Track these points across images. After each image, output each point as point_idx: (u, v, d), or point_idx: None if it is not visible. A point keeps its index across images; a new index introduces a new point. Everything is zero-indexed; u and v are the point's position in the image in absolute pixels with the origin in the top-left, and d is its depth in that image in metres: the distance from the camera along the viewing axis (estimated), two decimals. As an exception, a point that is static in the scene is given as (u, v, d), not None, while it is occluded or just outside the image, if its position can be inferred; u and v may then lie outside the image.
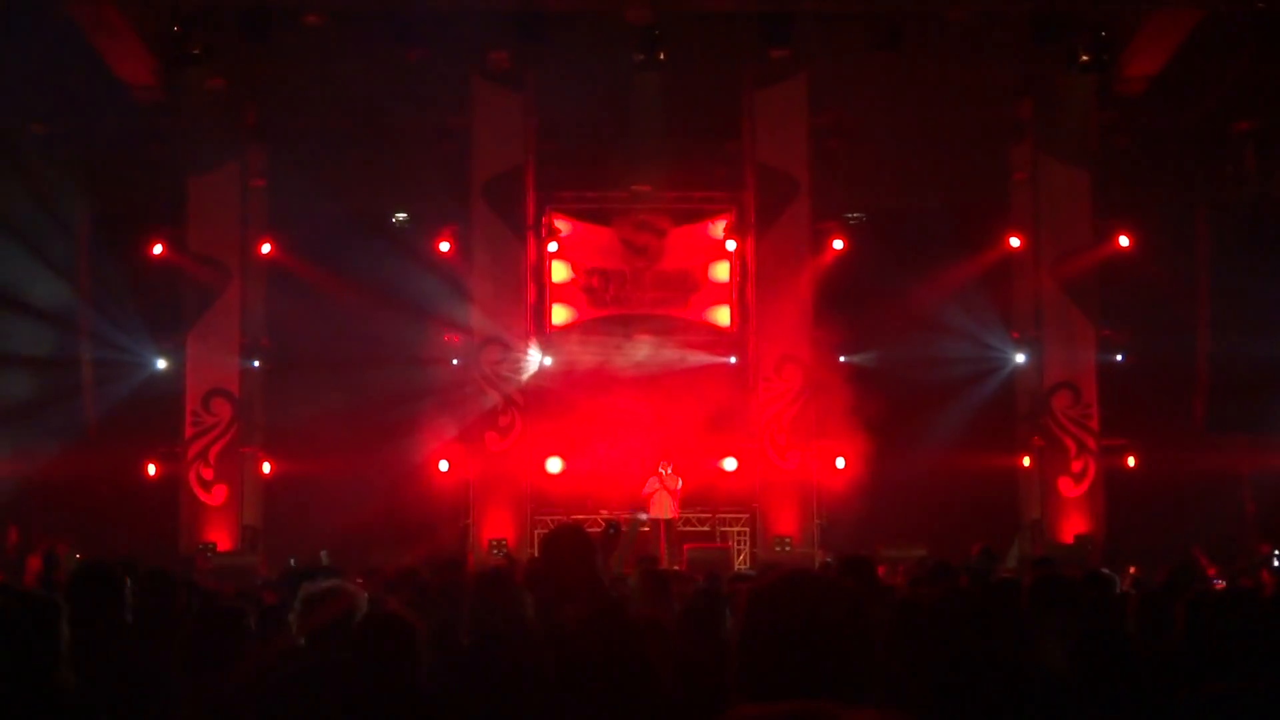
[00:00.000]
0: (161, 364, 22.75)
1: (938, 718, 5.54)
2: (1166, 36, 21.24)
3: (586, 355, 23.74)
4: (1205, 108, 21.93)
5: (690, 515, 22.53)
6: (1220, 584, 12.55)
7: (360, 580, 12.70)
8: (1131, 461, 23.03)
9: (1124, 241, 22.85)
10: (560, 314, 24.34)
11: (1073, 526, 22.42)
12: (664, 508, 21.53)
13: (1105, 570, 7.59)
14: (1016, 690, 5.85)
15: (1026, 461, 23.47)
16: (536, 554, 6.46)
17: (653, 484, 21.66)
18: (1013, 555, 21.79)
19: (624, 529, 8.33)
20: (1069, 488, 22.69)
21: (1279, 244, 22.63)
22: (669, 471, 21.70)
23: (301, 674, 6.02)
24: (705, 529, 22.90)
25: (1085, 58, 21.19)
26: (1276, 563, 16.50)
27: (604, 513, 21.59)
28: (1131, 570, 18.46)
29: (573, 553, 6.13)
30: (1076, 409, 22.82)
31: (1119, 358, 22.95)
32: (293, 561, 17.50)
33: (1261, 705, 4.92)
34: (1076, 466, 22.67)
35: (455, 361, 23.30)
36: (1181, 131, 22.72)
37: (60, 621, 4.77)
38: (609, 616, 6.11)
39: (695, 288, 24.44)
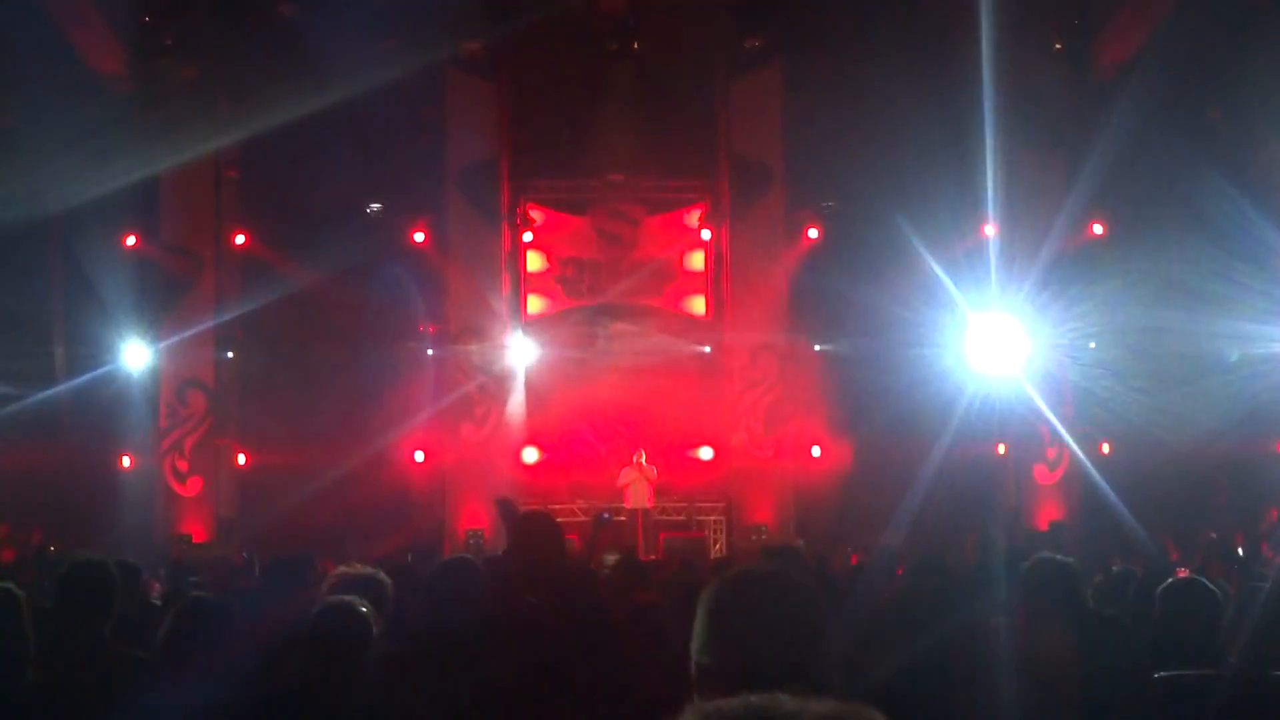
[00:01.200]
0: (135, 356, 22.63)
1: (926, 707, 5.57)
2: (1140, 23, 21.31)
3: (562, 345, 23.73)
4: (1178, 96, 21.96)
5: (666, 505, 22.53)
6: (1182, 571, 12.55)
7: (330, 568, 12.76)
8: (1105, 448, 23.12)
9: (1097, 229, 22.91)
10: (535, 304, 24.31)
11: (1047, 514, 22.51)
12: (640, 497, 21.52)
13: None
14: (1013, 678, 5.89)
15: (1001, 449, 23.54)
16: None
17: (628, 474, 21.65)
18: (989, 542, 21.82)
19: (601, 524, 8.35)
20: (1043, 475, 22.78)
21: (1253, 231, 22.70)
22: (644, 461, 21.68)
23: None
24: (681, 518, 22.91)
25: (1058, 45, 21.23)
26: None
27: (580, 503, 21.59)
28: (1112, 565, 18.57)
29: (542, 539, 6.13)
30: (1051, 396, 22.87)
31: (1092, 345, 23.03)
32: (246, 554, 17.40)
33: (1229, 692, 4.95)
34: (1051, 453, 22.76)
35: (430, 352, 23.26)
36: (1154, 118, 22.74)
37: (23, 617, 4.75)
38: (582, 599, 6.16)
39: (670, 277, 24.43)
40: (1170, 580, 5.52)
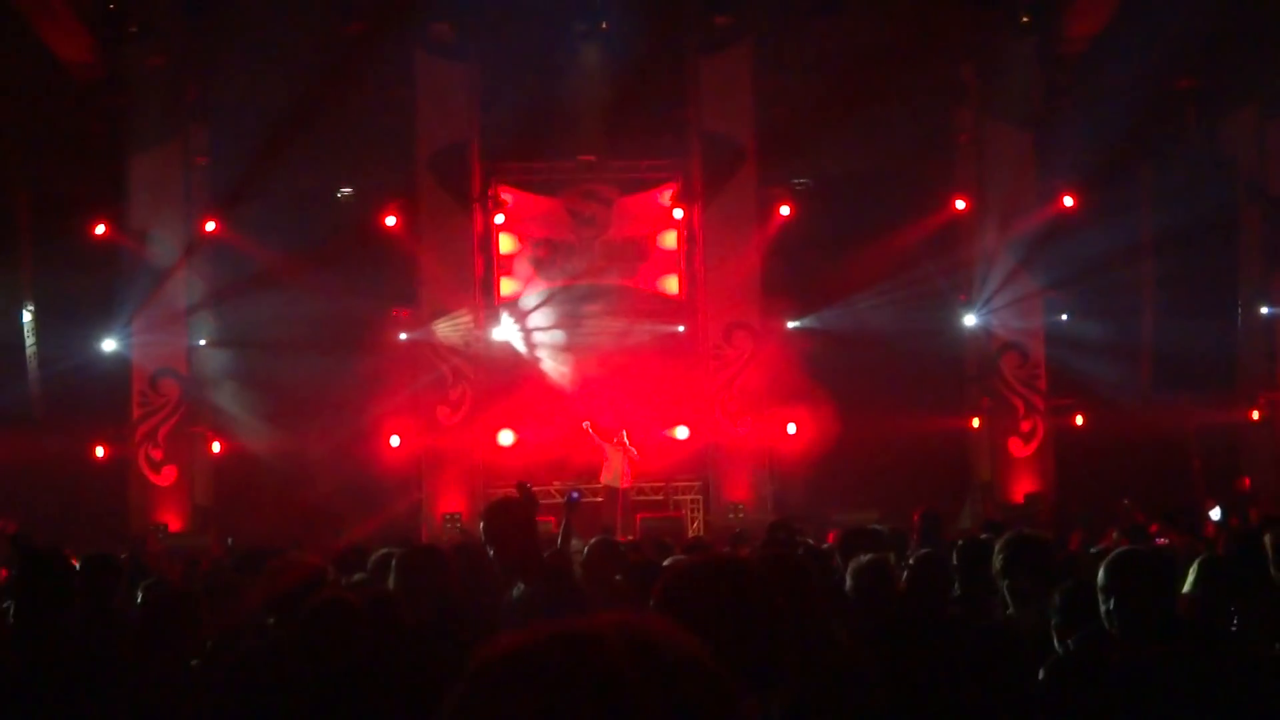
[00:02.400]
0: (108, 344, 22.53)
1: (910, 684, 5.60)
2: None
3: (535, 326, 23.72)
4: (1146, 66, 22.01)
5: (643, 484, 22.52)
6: (1162, 540, 12.63)
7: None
8: (1079, 421, 23.23)
9: (1068, 202, 22.96)
10: (509, 286, 24.27)
11: (1023, 486, 22.62)
12: (617, 476, 21.46)
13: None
14: (987, 651, 5.92)
15: (976, 423, 23.63)
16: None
17: (612, 453, 21.52)
18: (965, 516, 21.93)
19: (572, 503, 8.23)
20: (1018, 448, 22.88)
21: (1222, 200, 22.80)
22: (627, 441, 21.62)
23: (250, 656, 6.04)
24: (658, 498, 22.94)
25: (1026, 19, 21.26)
26: (1216, 516, 16.61)
27: (557, 484, 21.56)
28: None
29: (513, 526, 6.13)
30: (1024, 370, 22.99)
31: (1065, 318, 23.12)
32: (230, 541, 17.39)
33: (1192, 669, 4.97)
34: (1025, 427, 22.86)
35: (404, 336, 23.19)
36: (1123, 91, 22.79)
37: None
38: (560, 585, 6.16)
39: (644, 257, 24.40)
40: (1115, 552, 5.53)
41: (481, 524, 6.31)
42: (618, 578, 8.00)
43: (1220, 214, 22.67)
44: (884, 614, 6.18)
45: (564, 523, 9.00)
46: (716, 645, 2.67)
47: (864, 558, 6.63)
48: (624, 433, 21.60)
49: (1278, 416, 23.21)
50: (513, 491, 7.85)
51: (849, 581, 6.54)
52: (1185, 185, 22.43)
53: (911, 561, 6.76)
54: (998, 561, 6.47)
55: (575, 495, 9.14)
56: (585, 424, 21.75)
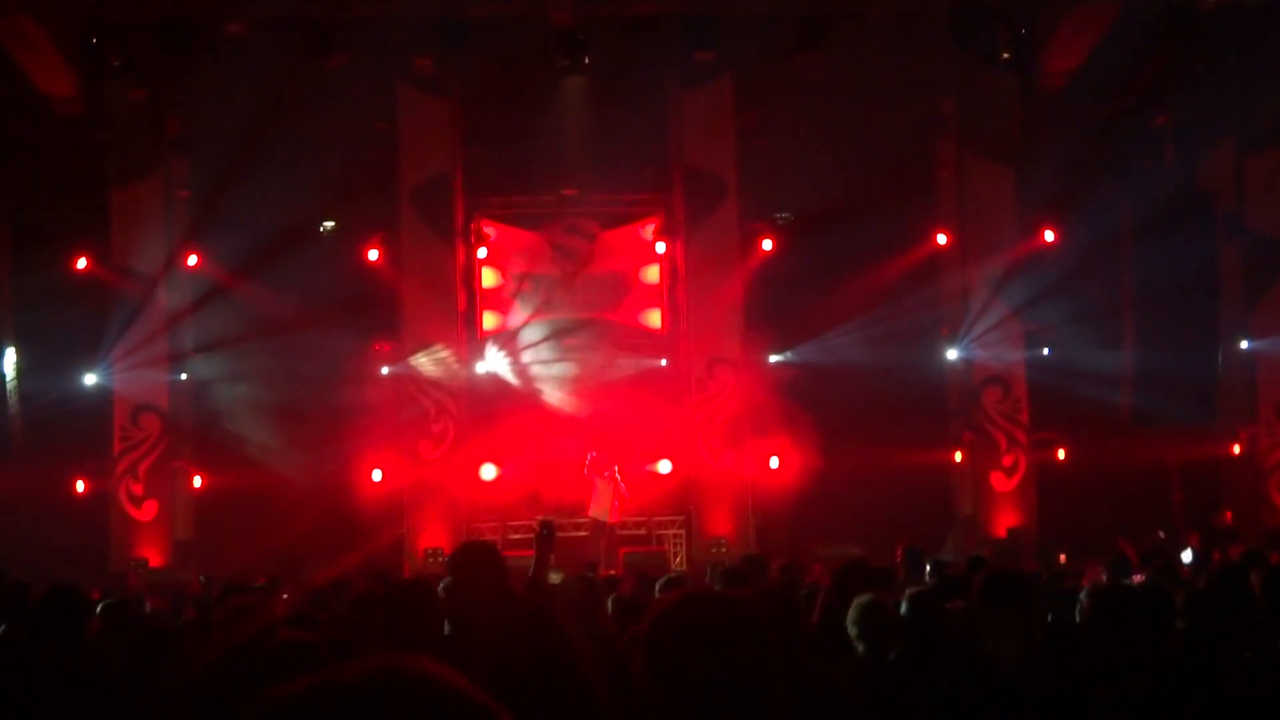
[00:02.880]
0: (89, 378, 22.45)
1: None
2: (1086, 32, 21.47)
3: (518, 360, 23.71)
4: (1125, 102, 22.14)
5: (625, 519, 22.46)
6: (1139, 576, 12.65)
7: (286, 595, 12.70)
8: (1061, 455, 23.27)
9: (1049, 236, 23.07)
10: (491, 320, 24.28)
11: (1005, 520, 22.62)
12: (605, 510, 21.47)
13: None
14: (968, 687, 5.91)
15: (958, 457, 23.65)
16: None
17: (603, 486, 21.55)
18: (948, 550, 21.92)
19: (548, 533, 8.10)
20: (1001, 482, 22.88)
21: (1200, 234, 22.93)
22: (618, 476, 21.64)
23: (220, 694, 6.00)
24: (641, 532, 22.90)
25: (1006, 54, 21.37)
26: (1188, 558, 16.70)
27: (539, 518, 21.45)
28: (1062, 559, 18.73)
29: (481, 568, 6.09)
30: (1006, 403, 23.02)
31: (1046, 352, 23.18)
32: (202, 579, 17.30)
33: (1177, 706, 4.97)
34: (1007, 461, 22.87)
35: (385, 370, 23.14)
36: (1102, 126, 22.92)
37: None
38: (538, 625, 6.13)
39: (626, 291, 24.44)
40: (1098, 588, 5.55)
41: (449, 570, 6.28)
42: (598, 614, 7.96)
43: (1200, 249, 22.80)
44: (885, 653, 6.16)
45: (538, 556, 8.95)
46: (706, 684, 2.66)
47: (864, 597, 6.60)
48: (616, 468, 21.60)
49: (1258, 451, 23.30)
50: (484, 531, 7.82)
51: (854, 620, 6.48)
52: (1165, 220, 22.54)
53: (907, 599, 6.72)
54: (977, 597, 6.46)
55: (548, 528, 9.07)
56: (590, 454, 21.72)
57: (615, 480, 21.46)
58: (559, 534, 20.20)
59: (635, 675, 2.70)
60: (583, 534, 21.51)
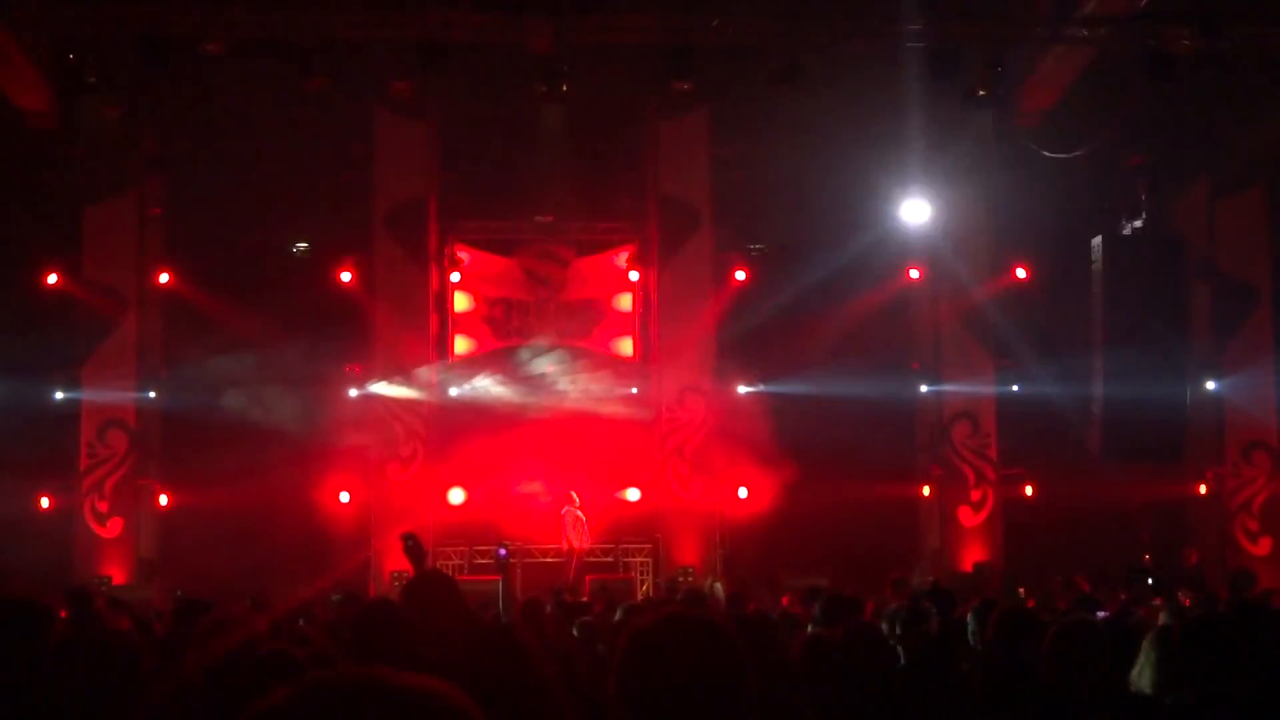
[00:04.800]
0: (56, 394, 22.34)
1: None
2: (1060, 72, 21.64)
3: (489, 386, 23.66)
4: (1099, 142, 22.30)
5: (593, 545, 22.45)
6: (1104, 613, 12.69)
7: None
8: (1029, 491, 23.35)
9: (1020, 274, 23.19)
10: (463, 344, 24.25)
11: (972, 555, 22.69)
12: (578, 536, 21.70)
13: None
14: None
15: (926, 491, 23.72)
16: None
17: (570, 511, 21.80)
18: (914, 583, 21.94)
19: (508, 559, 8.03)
20: (968, 517, 22.97)
21: (1171, 275, 23.08)
22: (577, 502, 21.81)
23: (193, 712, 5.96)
24: (609, 559, 22.86)
25: (981, 92, 21.49)
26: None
27: (505, 544, 21.46)
28: (1021, 592, 18.78)
29: (438, 598, 6.07)
30: (975, 439, 23.11)
31: (1016, 388, 23.26)
32: (180, 593, 17.19)
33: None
34: (975, 495, 22.96)
35: (354, 393, 23.05)
36: (1076, 166, 23.07)
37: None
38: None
39: (599, 318, 24.44)
40: (1063, 621, 5.58)
41: (404, 601, 6.26)
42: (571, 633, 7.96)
43: (1170, 289, 22.95)
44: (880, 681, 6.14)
45: (502, 581, 8.91)
46: (683, 705, 2.65)
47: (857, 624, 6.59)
48: (573, 494, 21.70)
49: (1224, 491, 23.43)
50: (450, 555, 7.81)
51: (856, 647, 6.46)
52: (1136, 260, 22.70)
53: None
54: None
55: (503, 553, 9.06)
56: (535, 486, 21.86)
57: (573, 508, 21.72)
58: (523, 560, 20.23)
59: (610, 695, 2.69)
60: (547, 559, 21.63)
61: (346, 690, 1.69)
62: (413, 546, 7.43)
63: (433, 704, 1.70)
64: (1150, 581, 18.50)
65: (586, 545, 21.87)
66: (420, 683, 1.71)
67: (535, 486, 22.93)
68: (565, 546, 21.89)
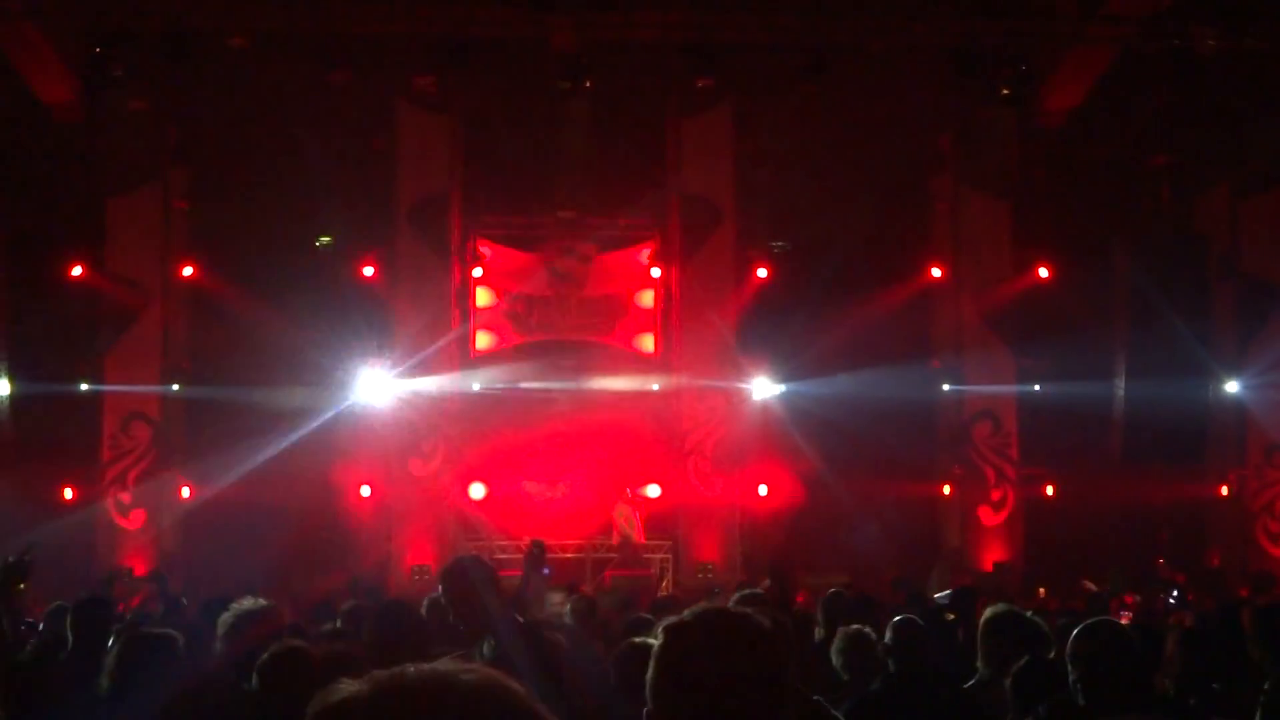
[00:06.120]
0: (80, 387, 22.43)
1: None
2: (1086, 71, 21.57)
3: (509, 381, 23.68)
4: (1123, 142, 22.25)
5: (611, 542, 22.49)
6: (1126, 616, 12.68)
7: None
8: (1050, 491, 23.30)
9: (1043, 273, 23.12)
10: (484, 339, 24.26)
11: (992, 554, 22.64)
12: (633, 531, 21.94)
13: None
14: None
15: (947, 490, 23.68)
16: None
17: (623, 506, 21.99)
18: (934, 583, 21.91)
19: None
20: (988, 516, 22.91)
21: (1194, 275, 22.99)
22: (630, 496, 22.34)
23: (222, 702, 6.01)
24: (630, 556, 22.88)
25: (1006, 91, 21.42)
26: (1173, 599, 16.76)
27: (526, 539, 21.46)
28: (1041, 593, 18.77)
29: (473, 586, 6.07)
30: (996, 438, 23.06)
31: (1037, 388, 23.21)
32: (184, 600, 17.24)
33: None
34: (996, 495, 22.91)
35: (375, 387, 23.05)
36: (1099, 164, 23.03)
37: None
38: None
39: (621, 314, 24.42)
40: (1085, 621, 5.56)
41: (440, 586, 6.27)
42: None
43: (1193, 289, 22.85)
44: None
45: (525, 575, 8.94)
46: (720, 699, 2.65)
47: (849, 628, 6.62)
48: (628, 490, 22.04)
49: (1246, 493, 23.34)
50: (471, 551, 7.85)
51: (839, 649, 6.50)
52: (1158, 260, 22.62)
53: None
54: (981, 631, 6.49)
55: (546, 571, 9.11)
56: (533, 485, 22.17)
57: (629, 501, 22.23)
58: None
59: (649, 687, 2.69)
60: (568, 555, 21.67)
61: (415, 686, 1.71)
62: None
63: (495, 694, 1.72)
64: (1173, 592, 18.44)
65: (641, 540, 22.01)
66: (481, 675, 1.75)
67: (533, 486, 23.03)
68: (617, 540, 22.07)
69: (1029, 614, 7.37)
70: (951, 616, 9.80)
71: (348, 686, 1.73)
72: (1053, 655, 6.52)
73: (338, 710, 1.71)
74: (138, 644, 6.39)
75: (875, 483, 22.13)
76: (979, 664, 6.61)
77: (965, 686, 6.55)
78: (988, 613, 6.60)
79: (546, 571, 9.56)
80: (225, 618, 6.60)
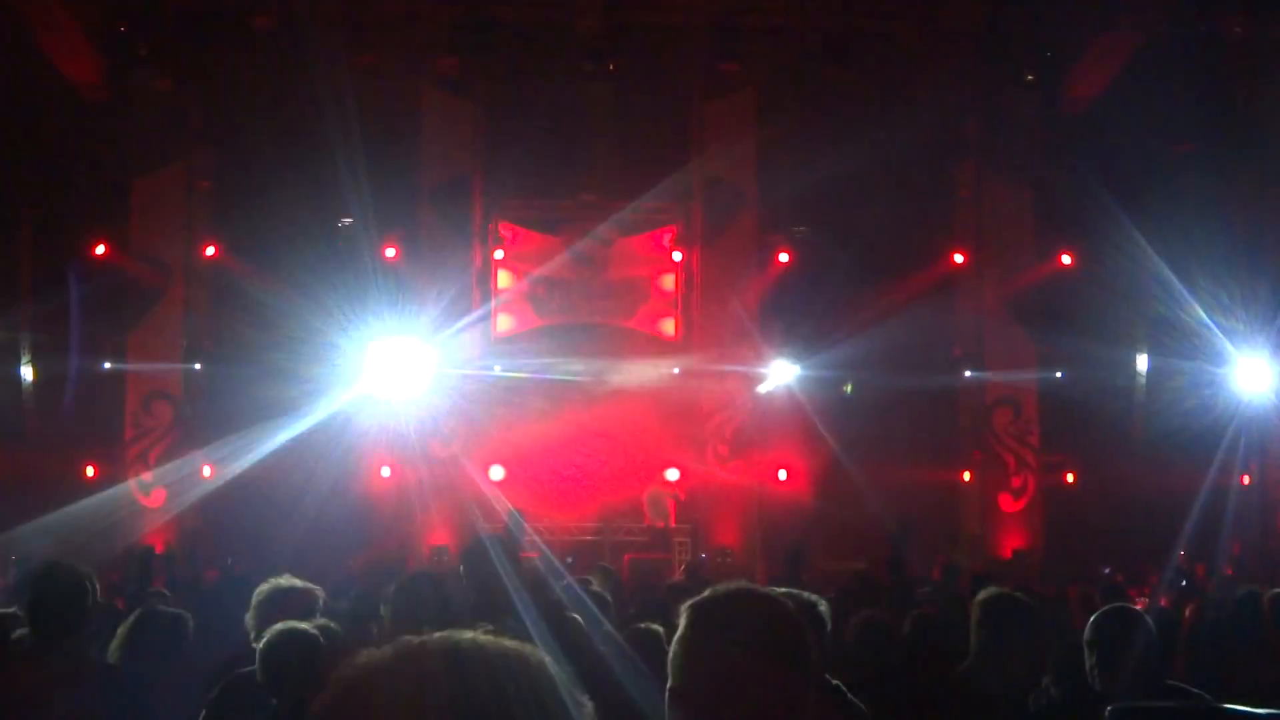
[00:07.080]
0: (104, 365, 22.52)
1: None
2: (1110, 58, 21.50)
3: (530, 363, 23.69)
4: (1147, 129, 22.15)
5: (633, 525, 22.53)
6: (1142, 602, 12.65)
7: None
8: (1070, 478, 23.25)
9: (1066, 260, 23.04)
10: (505, 322, 24.28)
11: (1012, 542, 22.62)
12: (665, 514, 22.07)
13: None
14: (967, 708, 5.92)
15: (967, 476, 23.64)
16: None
17: (655, 490, 22.38)
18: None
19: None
20: (1008, 503, 22.89)
21: (1217, 264, 22.88)
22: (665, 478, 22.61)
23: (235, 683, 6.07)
24: (646, 539, 22.90)
25: (1030, 77, 21.38)
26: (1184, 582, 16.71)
27: (545, 521, 21.54)
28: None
29: (497, 561, 6.09)
30: (1017, 425, 23.02)
31: (1059, 375, 23.14)
32: (230, 561, 17.30)
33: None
34: (1016, 482, 22.88)
35: (397, 369, 23.06)
36: (1123, 152, 22.92)
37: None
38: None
39: (643, 298, 24.42)
40: (1103, 608, 5.57)
41: (461, 565, 6.28)
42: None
43: (1215, 277, 22.73)
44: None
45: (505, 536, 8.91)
46: (744, 679, 2.65)
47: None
48: (665, 474, 22.11)
49: (1268, 482, 23.24)
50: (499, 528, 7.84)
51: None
52: (1182, 247, 22.49)
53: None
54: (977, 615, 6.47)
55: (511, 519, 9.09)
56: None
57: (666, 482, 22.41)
58: (560, 538, 20.27)
59: (671, 665, 2.68)
60: (587, 538, 21.71)
61: (437, 653, 1.73)
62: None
63: (518, 662, 1.74)
64: (1184, 583, 18.38)
65: (673, 525, 22.06)
66: (504, 644, 1.76)
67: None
68: (647, 524, 22.23)
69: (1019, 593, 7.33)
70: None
71: (372, 652, 1.75)
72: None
73: (361, 675, 1.73)
74: (147, 621, 6.46)
75: (895, 468, 22.09)
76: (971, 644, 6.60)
77: (959, 668, 6.55)
78: (982, 595, 6.58)
79: (570, 560, 9.58)
80: (262, 592, 6.64)
